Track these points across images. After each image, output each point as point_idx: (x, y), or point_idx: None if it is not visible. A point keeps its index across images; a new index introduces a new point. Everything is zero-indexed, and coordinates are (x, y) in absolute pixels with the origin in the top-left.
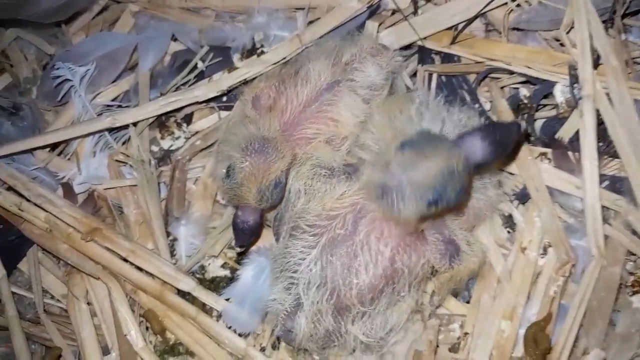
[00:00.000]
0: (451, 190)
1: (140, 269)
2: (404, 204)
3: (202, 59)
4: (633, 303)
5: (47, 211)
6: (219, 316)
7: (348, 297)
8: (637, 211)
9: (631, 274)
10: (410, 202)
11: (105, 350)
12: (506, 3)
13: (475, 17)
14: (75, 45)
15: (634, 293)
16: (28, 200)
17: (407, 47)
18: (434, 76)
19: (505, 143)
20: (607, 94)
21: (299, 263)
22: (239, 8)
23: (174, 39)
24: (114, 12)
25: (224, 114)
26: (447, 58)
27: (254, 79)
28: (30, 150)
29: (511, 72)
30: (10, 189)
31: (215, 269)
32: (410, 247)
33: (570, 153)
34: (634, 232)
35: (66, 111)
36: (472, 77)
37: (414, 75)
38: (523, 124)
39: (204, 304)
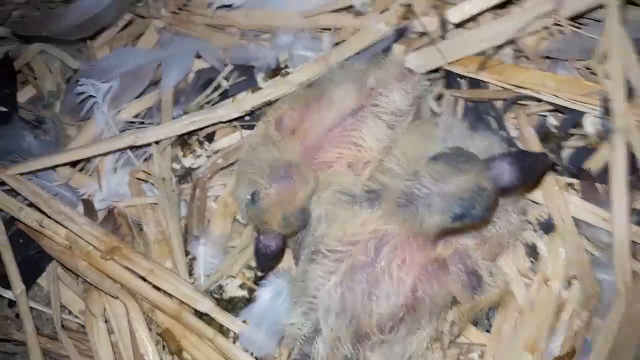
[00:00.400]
0: (479, 208)
1: (158, 288)
2: (430, 214)
3: (226, 78)
4: None
5: (67, 228)
6: (236, 338)
7: (368, 324)
8: None
9: None
10: (436, 213)
11: None
12: (538, 31)
13: (504, 44)
14: (99, 60)
15: None
16: (49, 217)
17: (433, 71)
18: (460, 101)
19: (532, 171)
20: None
21: (318, 288)
22: (264, 27)
23: (198, 56)
24: (138, 27)
25: (246, 132)
26: (474, 83)
27: (277, 99)
28: (53, 167)
29: (539, 100)
30: (31, 205)
31: (233, 289)
32: (432, 276)
33: (598, 185)
34: None
35: (88, 127)
36: (498, 103)
37: (439, 98)
38: (551, 156)
39: (221, 325)
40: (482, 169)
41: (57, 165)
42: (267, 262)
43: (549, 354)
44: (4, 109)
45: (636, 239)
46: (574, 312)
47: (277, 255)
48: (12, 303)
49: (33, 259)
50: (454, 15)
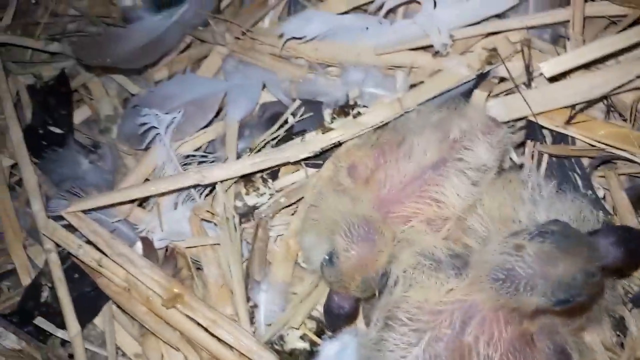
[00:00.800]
0: (585, 293)
1: (219, 338)
2: (530, 296)
3: (293, 114)
4: None
5: (127, 271)
6: None
7: None
8: None
9: None
10: (537, 296)
11: None
12: (637, 88)
13: (595, 101)
14: (160, 86)
15: None
16: (108, 257)
17: (516, 120)
18: (545, 155)
19: (637, 251)
20: None
21: (399, 356)
22: (334, 61)
23: (263, 87)
24: (198, 51)
25: (310, 170)
26: (560, 137)
27: (347, 141)
28: (115, 205)
29: (632, 161)
30: (90, 241)
31: (294, 340)
32: (520, 353)
33: None
34: None
35: (148, 158)
36: (585, 160)
37: (519, 145)
38: None
39: None
40: (592, 250)
41: (120, 204)
42: (340, 323)
43: None
44: (59, 131)
45: None
46: None
47: (351, 317)
48: (64, 341)
49: (89, 296)
50: (548, 68)
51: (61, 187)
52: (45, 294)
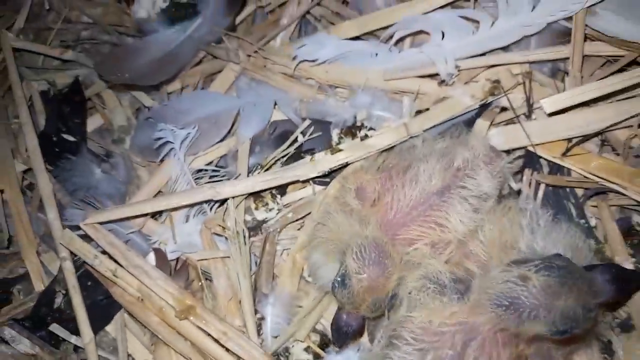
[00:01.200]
0: (582, 325)
1: (228, 349)
2: (532, 325)
3: (303, 132)
4: None
5: (141, 282)
6: None
7: None
8: None
9: None
10: (539, 325)
11: None
12: (630, 126)
13: (590, 136)
14: (173, 100)
15: None
16: (123, 267)
17: (515, 149)
18: (542, 185)
19: (628, 290)
20: None
21: None
22: (343, 83)
23: (275, 106)
24: (212, 66)
25: (318, 188)
26: (556, 168)
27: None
28: (132, 218)
29: (623, 194)
30: (104, 252)
31: (299, 352)
32: None
33: None
34: None
35: (162, 171)
36: (579, 191)
37: (516, 173)
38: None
39: None
40: (589, 288)
41: (137, 216)
42: (347, 340)
43: None
44: (72, 139)
45: None
46: None
47: (357, 334)
48: (77, 347)
49: (101, 304)
50: (548, 105)
51: (74, 196)
52: (58, 300)
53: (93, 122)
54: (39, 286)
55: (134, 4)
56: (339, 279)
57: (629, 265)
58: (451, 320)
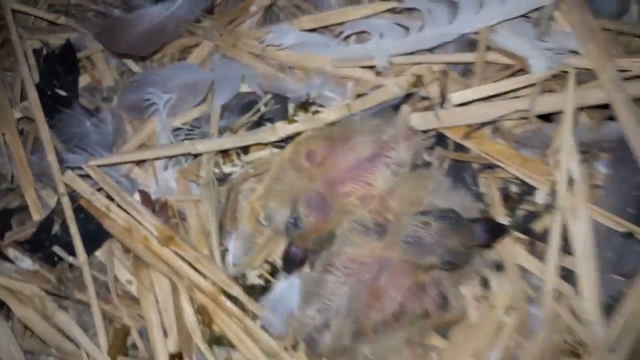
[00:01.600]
0: (464, 258)
1: (199, 272)
2: (429, 258)
3: (265, 104)
4: None
5: (131, 215)
6: (255, 318)
7: (366, 326)
8: (578, 298)
9: (566, 342)
10: (434, 257)
11: (164, 333)
12: (514, 119)
13: (486, 123)
14: (158, 70)
15: (567, 356)
16: (115, 203)
17: (429, 130)
18: (447, 159)
19: (497, 237)
20: (573, 209)
21: (332, 294)
22: (300, 66)
23: (243, 80)
24: (189, 41)
25: (275, 150)
26: (459, 147)
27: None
28: (127, 163)
29: (505, 170)
30: (100, 190)
31: (253, 278)
32: (415, 295)
33: (539, 243)
34: (573, 313)
35: (146, 127)
36: (475, 165)
37: (429, 149)
38: (508, 224)
39: (244, 307)
40: (470, 234)
41: (131, 162)
42: (294, 267)
43: None
44: (65, 94)
45: (559, 288)
46: (510, 334)
47: (302, 263)
48: (71, 266)
49: (92, 233)
50: (456, 97)
51: (67, 144)
52: (55, 228)
53: (83, 81)
54: (36, 217)
55: None
56: (291, 220)
57: (504, 221)
58: (371, 254)
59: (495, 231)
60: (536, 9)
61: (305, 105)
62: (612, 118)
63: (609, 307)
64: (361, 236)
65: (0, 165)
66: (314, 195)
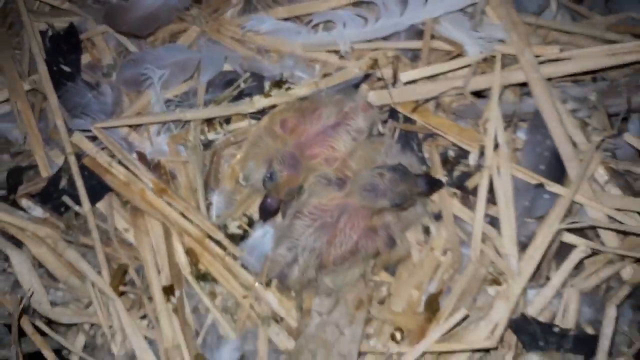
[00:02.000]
0: (409, 203)
1: (189, 220)
2: (382, 202)
3: (244, 81)
4: (488, 290)
5: (130, 170)
6: (235, 259)
7: (327, 260)
8: (499, 238)
9: (490, 273)
10: (386, 200)
11: (158, 271)
12: (452, 95)
13: (430, 99)
14: (152, 49)
15: (490, 285)
16: (117, 161)
17: (383, 105)
18: (398, 130)
19: (435, 189)
20: (498, 167)
21: (300, 234)
22: (275, 50)
23: (225, 60)
24: (179, 26)
25: (252, 122)
26: (407, 119)
27: (280, 104)
28: (127, 126)
29: (445, 138)
30: (103, 149)
31: (233, 228)
32: (368, 236)
33: (470, 196)
34: (496, 250)
35: (142, 98)
36: (420, 135)
37: (384, 122)
38: (444, 180)
39: (225, 249)
40: (414, 184)
41: (130, 125)
42: (269, 216)
43: (428, 291)
44: (69, 70)
45: (485, 231)
46: (446, 270)
47: (277, 212)
48: (77, 215)
49: (94, 187)
50: (405, 76)
51: (72, 112)
52: (63, 183)
53: (85, 59)
54: (44, 174)
55: None
56: (268, 175)
57: (442, 179)
58: (332, 202)
59: (434, 184)
60: (471, 5)
61: (279, 83)
62: (529, 94)
63: (523, 244)
64: (325, 188)
65: (12, 130)
66: (287, 154)
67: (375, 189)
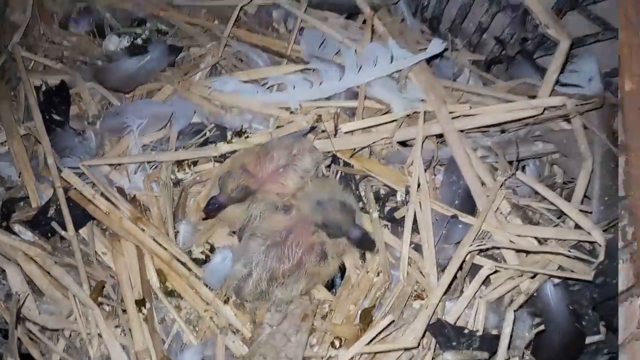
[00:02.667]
0: (343, 233)
1: (159, 244)
2: (323, 227)
3: (210, 131)
4: (413, 304)
5: (111, 202)
6: (198, 278)
7: (277, 274)
8: (422, 261)
9: (415, 290)
10: (326, 228)
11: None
12: (382, 144)
13: (364, 147)
14: (131, 103)
15: (415, 299)
16: (99, 194)
17: (326, 152)
18: (339, 172)
19: (365, 245)
20: (420, 203)
21: (254, 252)
22: (236, 106)
23: (194, 113)
24: (155, 85)
25: (216, 164)
26: (347, 164)
27: (240, 150)
28: (108, 165)
29: (376, 179)
30: (88, 183)
31: (197, 253)
32: (310, 252)
33: (399, 227)
34: (420, 271)
35: (121, 143)
36: (357, 176)
37: (328, 166)
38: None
39: (190, 270)
40: (350, 224)
41: (111, 164)
42: (213, 211)
43: (363, 306)
44: (60, 118)
45: (411, 256)
46: (378, 289)
47: (220, 209)
48: (62, 239)
49: (78, 216)
50: (344, 128)
51: (60, 154)
52: (51, 212)
53: (73, 111)
54: (34, 204)
55: (104, 39)
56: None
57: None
58: (281, 224)
59: (366, 241)
60: (397, 71)
61: (239, 133)
62: (445, 143)
63: (442, 265)
64: (274, 213)
65: (8, 168)
66: (241, 185)
67: (322, 204)
